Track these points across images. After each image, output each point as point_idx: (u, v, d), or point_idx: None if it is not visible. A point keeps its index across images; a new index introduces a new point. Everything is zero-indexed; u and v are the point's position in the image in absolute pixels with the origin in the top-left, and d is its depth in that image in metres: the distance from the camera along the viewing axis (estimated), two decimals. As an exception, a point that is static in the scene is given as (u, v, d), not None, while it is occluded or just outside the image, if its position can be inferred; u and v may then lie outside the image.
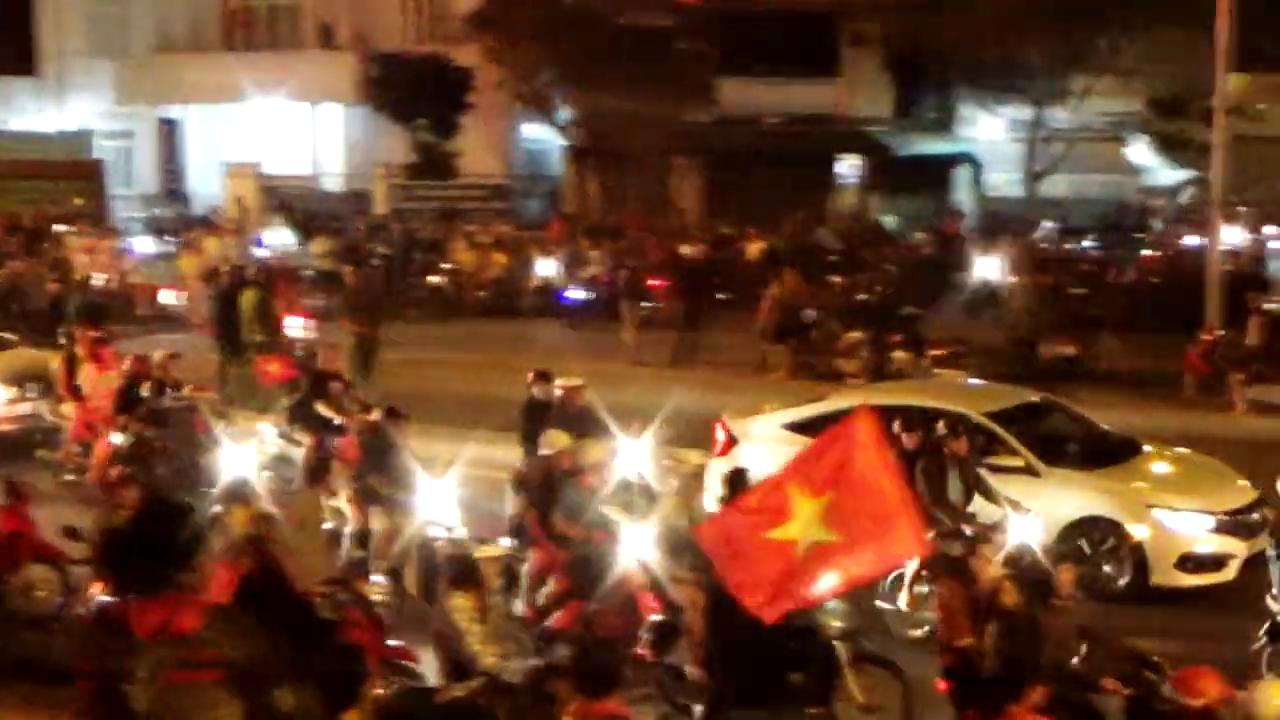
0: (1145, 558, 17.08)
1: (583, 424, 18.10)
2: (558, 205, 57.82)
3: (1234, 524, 17.06)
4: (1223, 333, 28.58)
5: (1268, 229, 47.30)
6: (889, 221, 53.08)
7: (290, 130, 59.87)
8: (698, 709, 13.01)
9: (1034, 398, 19.91)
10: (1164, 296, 35.68)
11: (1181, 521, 16.88)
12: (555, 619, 14.72)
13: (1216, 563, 16.90)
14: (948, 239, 48.38)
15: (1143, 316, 33.33)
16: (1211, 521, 16.99)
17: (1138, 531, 16.83)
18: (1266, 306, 30.26)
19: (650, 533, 14.76)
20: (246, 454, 19.31)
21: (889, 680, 13.00)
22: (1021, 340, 30.93)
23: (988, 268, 34.57)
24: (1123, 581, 17.14)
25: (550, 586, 15.15)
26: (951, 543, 14.62)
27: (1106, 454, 18.30)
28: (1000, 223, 52.46)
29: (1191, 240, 43.26)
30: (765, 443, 19.12)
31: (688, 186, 57.04)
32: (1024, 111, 54.15)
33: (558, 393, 19.28)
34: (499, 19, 52.62)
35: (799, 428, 19.03)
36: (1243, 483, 17.89)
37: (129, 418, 21.36)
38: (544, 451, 16.28)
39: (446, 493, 16.26)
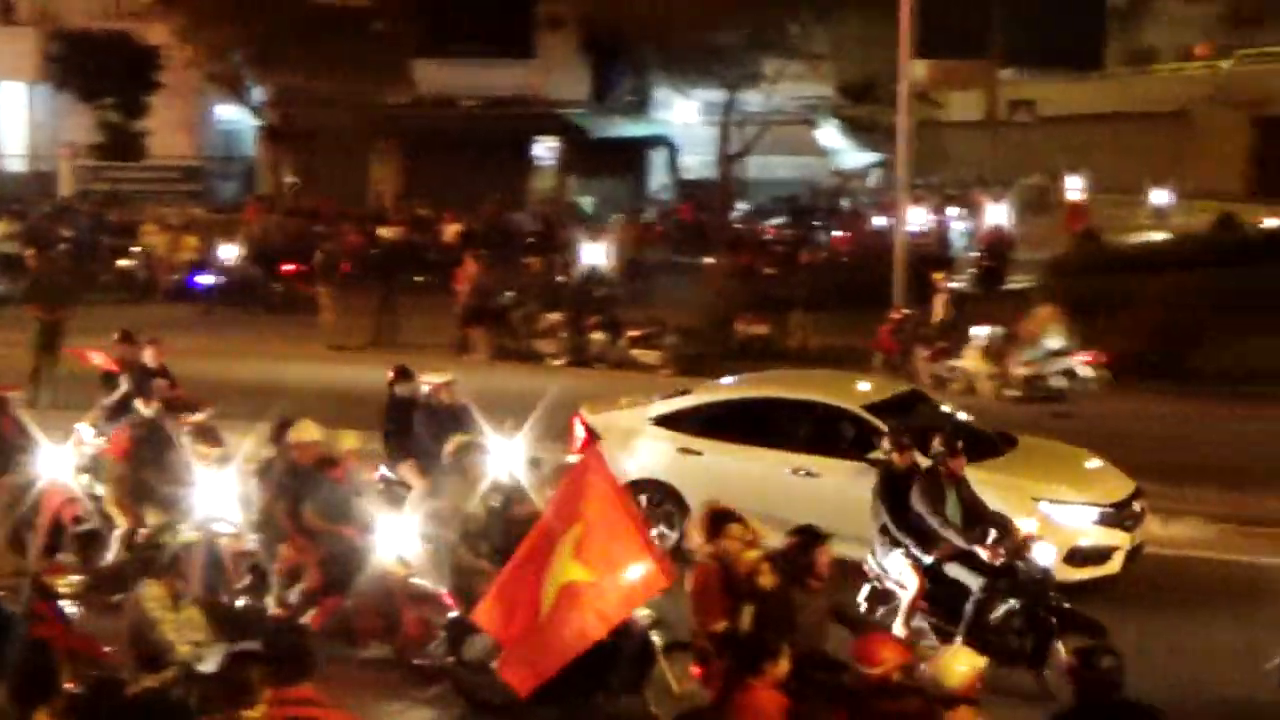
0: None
1: (454, 421, 17.30)
2: (252, 187, 56.85)
3: (1117, 516, 16.56)
4: (909, 311, 29.34)
5: (950, 210, 48.90)
6: (586, 203, 53.37)
7: (-31, 110, 57.74)
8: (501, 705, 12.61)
9: (903, 389, 19.19)
10: (854, 276, 36.48)
11: (1068, 515, 16.28)
12: (309, 617, 14.12)
13: (1102, 556, 16.31)
14: (688, 224, 49.00)
15: (833, 295, 34.05)
16: (1096, 514, 16.47)
17: (1025, 525, 15.73)
18: (950, 285, 31.25)
19: (411, 526, 14.41)
20: (63, 455, 17.24)
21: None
22: (716, 320, 31.35)
23: (594, 253, 34.49)
24: None
25: (303, 584, 14.53)
26: (966, 566, 13.96)
27: (984, 447, 17.36)
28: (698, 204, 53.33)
29: (879, 221, 44.42)
30: (631, 439, 18.23)
31: (385, 168, 56.57)
32: (718, 95, 54.94)
33: (424, 389, 18.29)
34: (190, -4, 51.45)
35: (668, 422, 18.22)
36: (1121, 474, 17.50)
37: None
38: (291, 441, 15.32)
39: (227, 488, 15.25)
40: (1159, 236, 45.45)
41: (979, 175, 55.26)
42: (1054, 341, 26.89)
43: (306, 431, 15.27)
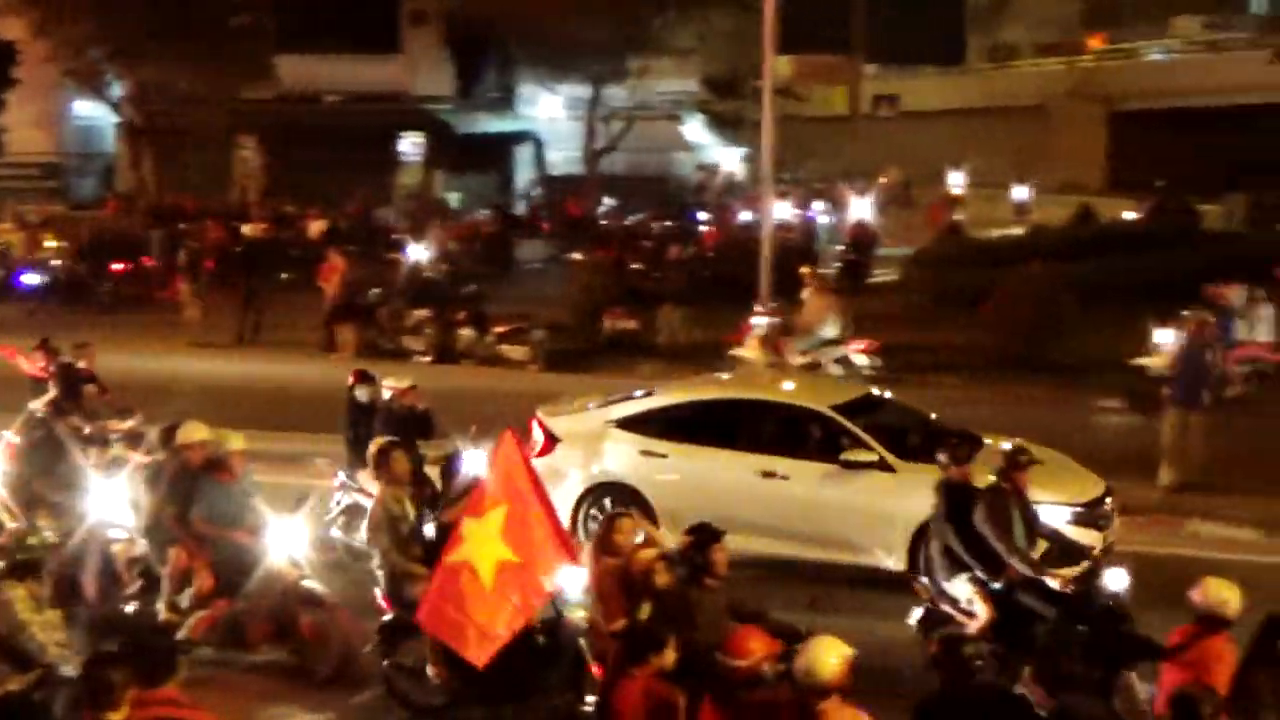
0: None
1: (416, 426, 17.08)
2: (111, 184, 56.02)
3: (1090, 515, 16.19)
4: (775, 305, 29.50)
5: (816, 205, 49.30)
6: (453, 199, 53.20)
7: None
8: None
9: (867, 390, 18.61)
10: (721, 270, 36.65)
11: (1046, 515, 15.38)
12: (198, 620, 13.83)
13: (1075, 555, 15.53)
14: (575, 220, 48.92)
15: (702, 290, 34.18)
16: (1070, 513, 16.02)
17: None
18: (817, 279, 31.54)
19: (298, 530, 14.07)
20: None
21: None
22: (584, 315, 31.36)
23: (418, 252, 34.44)
24: None
25: (194, 588, 14.12)
26: (1036, 594, 13.07)
27: (959, 445, 16.60)
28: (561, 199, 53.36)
29: (746, 216, 44.67)
30: (593, 442, 17.67)
31: (249, 165, 56.00)
32: (584, 90, 54.99)
33: (385, 394, 17.81)
34: (46, -10, 50.50)
35: (631, 424, 17.64)
36: (1089, 472, 17.13)
37: None
38: (180, 443, 14.79)
39: (118, 492, 14.98)
40: (1020, 230, 46.07)
41: (844, 170, 55.75)
42: (829, 331, 27.16)
43: (195, 432, 14.83)
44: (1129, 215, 46.75)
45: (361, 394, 17.90)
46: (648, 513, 16.60)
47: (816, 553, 16.26)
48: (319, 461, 20.41)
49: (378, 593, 13.55)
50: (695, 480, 16.97)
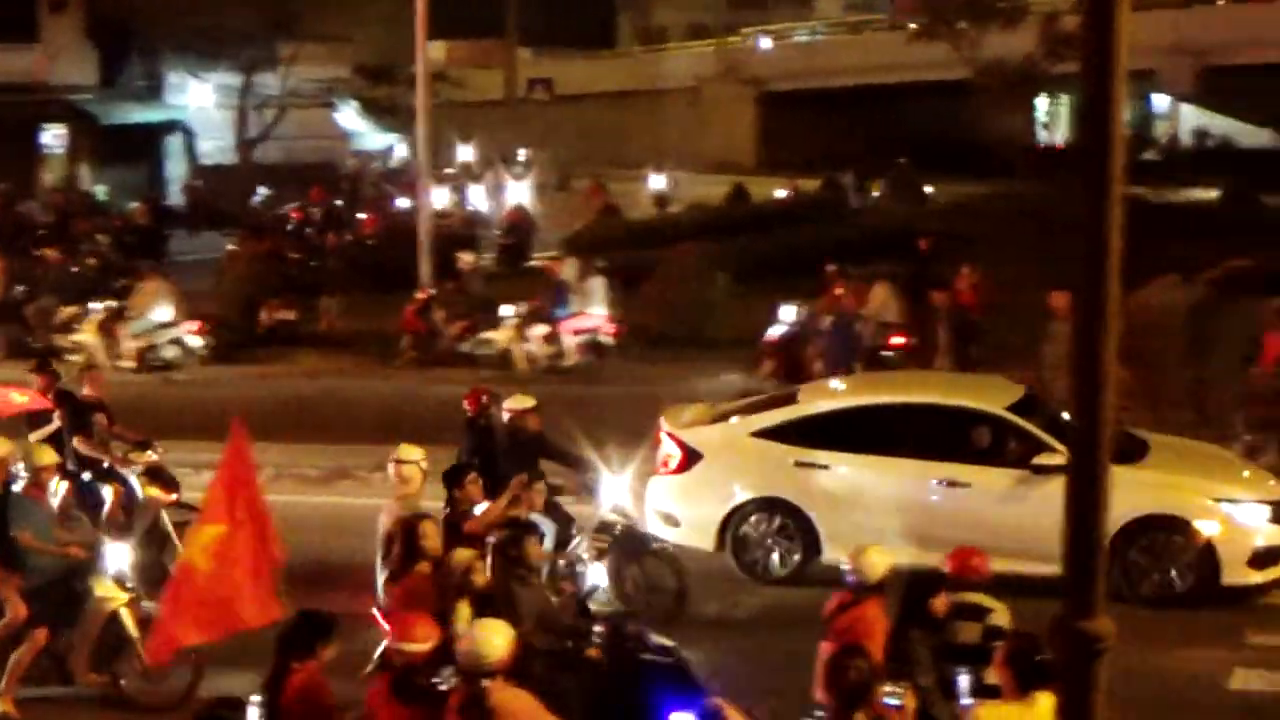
0: (1216, 556, 15.15)
1: (537, 449, 15.72)
2: None
3: (1277, 513, 15.47)
4: (434, 291, 29.53)
5: (473, 190, 49.36)
6: (100, 192, 51.63)
7: None
8: None
9: (1020, 387, 17.19)
10: (381, 258, 36.45)
11: (1247, 514, 15.19)
12: (19, 655, 12.77)
13: (1275, 556, 15.26)
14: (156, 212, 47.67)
15: (362, 278, 33.95)
16: (1268, 511, 15.37)
17: (1207, 528, 15.03)
18: (475, 264, 31.69)
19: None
20: None
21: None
22: (240, 307, 30.86)
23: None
24: (1187, 584, 15.26)
25: (4, 618, 12.97)
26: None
27: (1128, 445, 15.87)
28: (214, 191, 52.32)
29: (404, 202, 44.49)
30: (737, 454, 16.44)
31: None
32: (234, 78, 54.00)
33: (505, 415, 16.09)
34: None
35: (780, 434, 16.40)
36: (1261, 469, 16.67)
37: None
38: None
39: None
40: (675, 209, 46.85)
41: (501, 154, 55.87)
42: (161, 314, 28.02)
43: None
44: (780, 193, 47.93)
45: (483, 415, 16.24)
46: (804, 529, 15.93)
47: (1003, 565, 14.88)
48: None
49: None
50: (863, 492, 16.00)
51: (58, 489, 14.68)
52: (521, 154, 55.33)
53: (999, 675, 8.93)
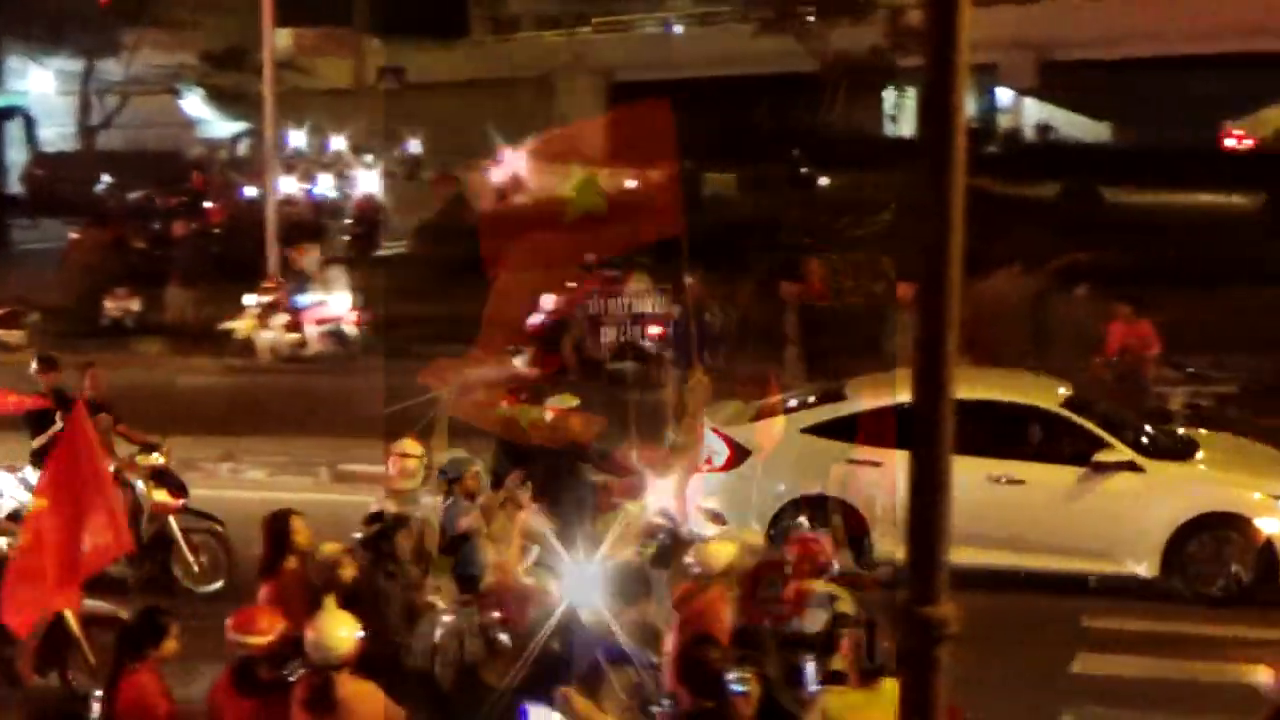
0: (1276, 554, 14.96)
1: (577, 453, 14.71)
2: None
3: None
4: (282, 280, 29.25)
5: (321, 178, 48.97)
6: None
7: None
8: None
9: (1069, 384, 16.90)
10: (228, 247, 36.04)
11: None
12: None
13: None
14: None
15: (208, 267, 33.49)
16: None
17: (1268, 525, 14.87)
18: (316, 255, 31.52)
19: None
20: None
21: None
22: (84, 296, 30.40)
23: None
24: (1244, 583, 15.03)
25: None
26: None
27: (1176, 441, 16.06)
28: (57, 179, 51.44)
29: (250, 191, 44.01)
30: (786, 451, 15.96)
31: None
32: (76, 63, 53.13)
33: (548, 415, 14.92)
34: None
35: (829, 431, 16.08)
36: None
37: None
38: None
39: None
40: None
41: (351, 143, 55.46)
42: None
43: None
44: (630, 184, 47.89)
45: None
46: (855, 526, 15.30)
47: (1059, 564, 15.26)
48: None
49: None
50: None
51: None
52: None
53: (844, 662, 9.03)
